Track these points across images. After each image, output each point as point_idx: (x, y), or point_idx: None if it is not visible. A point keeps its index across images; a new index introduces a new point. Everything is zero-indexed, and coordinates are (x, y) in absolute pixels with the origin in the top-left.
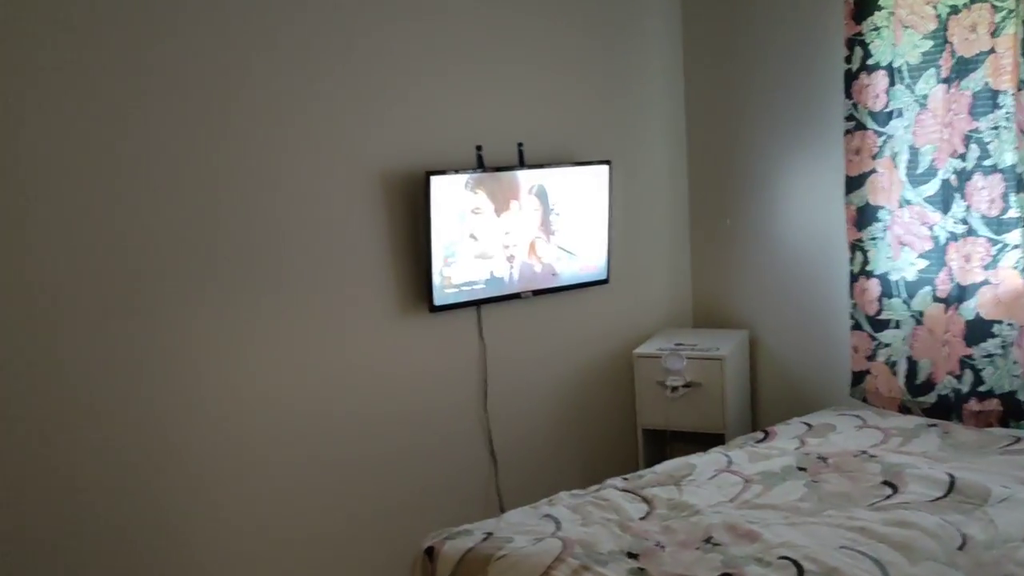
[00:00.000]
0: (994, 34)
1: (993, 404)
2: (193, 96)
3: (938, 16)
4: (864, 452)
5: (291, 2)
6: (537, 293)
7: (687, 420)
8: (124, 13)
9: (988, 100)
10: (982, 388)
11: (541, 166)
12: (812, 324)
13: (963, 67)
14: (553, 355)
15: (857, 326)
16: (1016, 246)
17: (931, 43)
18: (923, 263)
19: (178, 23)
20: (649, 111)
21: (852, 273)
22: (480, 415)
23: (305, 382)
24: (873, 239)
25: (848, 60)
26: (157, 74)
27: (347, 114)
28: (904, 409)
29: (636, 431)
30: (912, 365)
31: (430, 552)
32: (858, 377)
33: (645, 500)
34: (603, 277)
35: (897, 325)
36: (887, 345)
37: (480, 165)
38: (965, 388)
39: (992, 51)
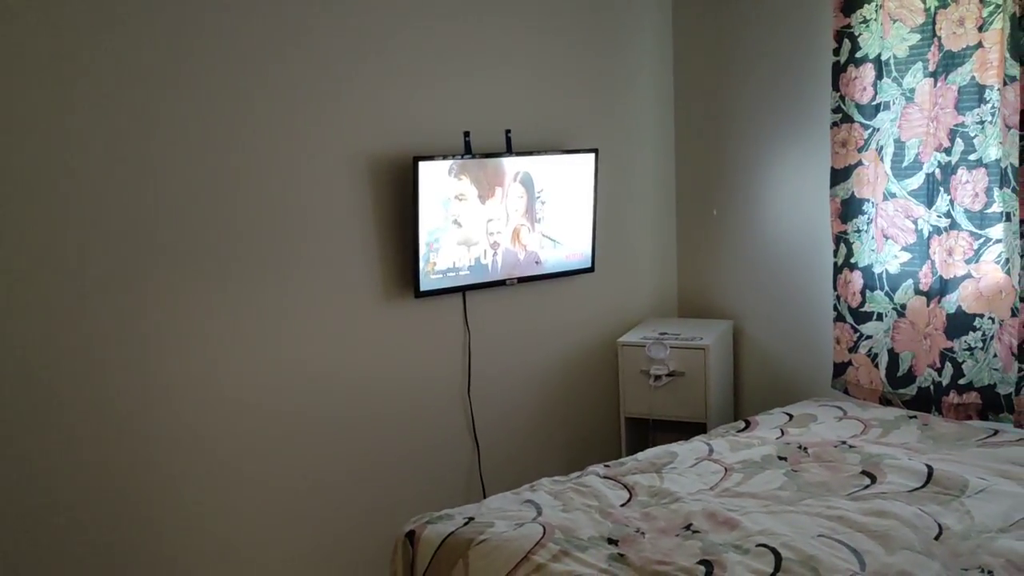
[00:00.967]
0: (981, 29)
1: (972, 397)
2: (178, 82)
3: (926, 10)
4: (844, 442)
5: None
6: (522, 280)
7: (670, 409)
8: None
9: (974, 95)
10: (962, 381)
11: (529, 153)
12: (796, 315)
13: (950, 61)
14: (538, 342)
15: (840, 318)
16: (998, 241)
17: (919, 36)
18: (906, 256)
19: (169, 11)
20: (637, 100)
21: (836, 265)
22: (464, 401)
23: (288, 366)
24: (857, 231)
25: (836, 52)
26: (144, 60)
27: (334, 99)
28: (885, 401)
29: (619, 419)
30: (893, 357)
31: (411, 536)
32: (840, 368)
33: (626, 487)
34: (588, 266)
35: (879, 317)
36: (869, 337)
37: (468, 151)
38: (945, 381)
39: (979, 46)
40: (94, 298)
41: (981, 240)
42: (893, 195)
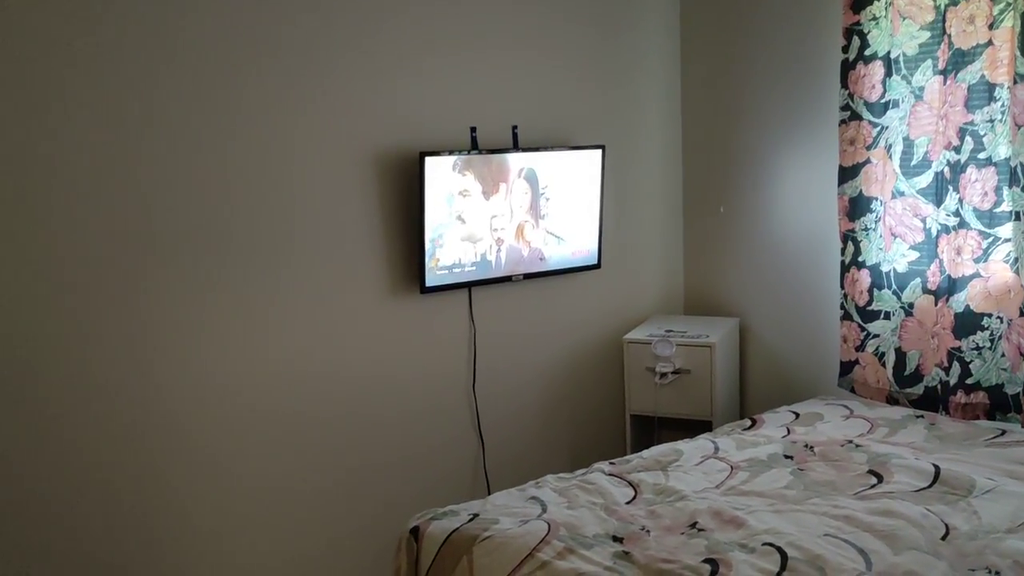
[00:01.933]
0: (992, 27)
1: (980, 396)
2: (175, 72)
3: (936, 7)
4: (850, 441)
5: None
6: (528, 277)
7: (675, 406)
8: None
9: (984, 93)
10: (970, 380)
11: (535, 149)
12: (802, 313)
13: (960, 59)
14: (543, 339)
15: (847, 316)
16: (1007, 240)
17: (928, 34)
18: (914, 255)
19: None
20: (645, 97)
21: (843, 263)
22: (469, 397)
23: (294, 361)
24: (865, 230)
25: (845, 50)
26: (149, 53)
27: (339, 92)
28: (891, 400)
29: (624, 416)
30: (900, 356)
31: (415, 532)
32: (846, 367)
33: (631, 485)
34: (594, 262)
35: (887, 316)
36: (876, 336)
37: (474, 146)
38: (953, 380)
39: (990, 44)
40: (86, 293)
41: (990, 239)
42: (901, 193)
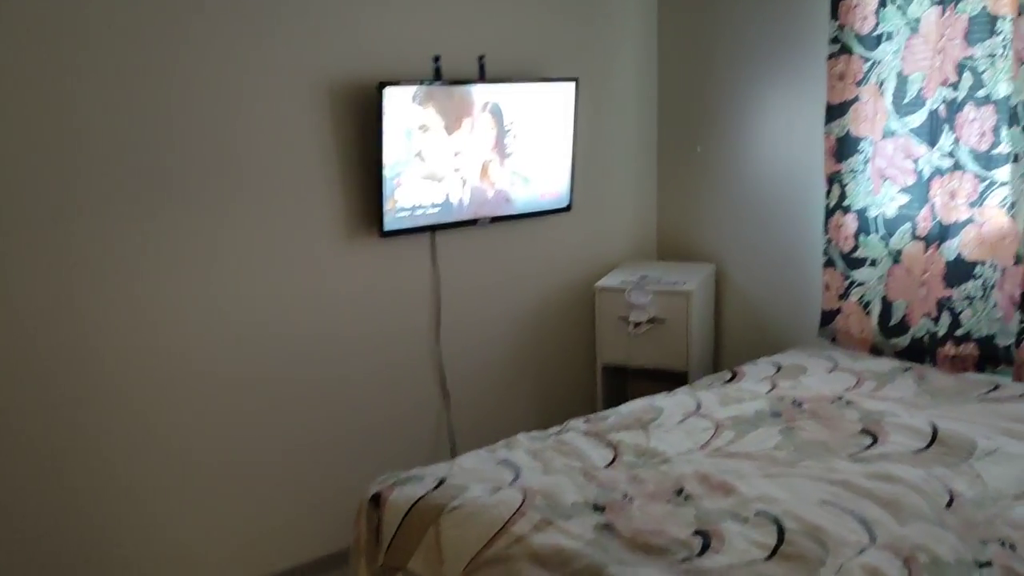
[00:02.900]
0: None
1: (970, 348)
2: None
3: None
4: (840, 397)
5: None
6: (495, 220)
7: (649, 357)
8: None
9: (985, 25)
10: (960, 331)
11: (504, 80)
12: (782, 259)
13: None
14: (511, 286)
15: (830, 263)
16: (1004, 183)
17: None
18: (904, 198)
19: None
20: (619, 28)
21: (828, 207)
22: (432, 348)
23: (245, 306)
24: (852, 172)
25: None
26: None
27: (293, 19)
28: (875, 351)
29: (596, 367)
30: (887, 306)
31: (376, 499)
32: (828, 316)
33: (610, 445)
34: (565, 204)
35: (873, 263)
36: (861, 284)
37: (438, 77)
38: (942, 331)
39: None
40: (11, 241)
41: (986, 182)
42: (893, 133)
